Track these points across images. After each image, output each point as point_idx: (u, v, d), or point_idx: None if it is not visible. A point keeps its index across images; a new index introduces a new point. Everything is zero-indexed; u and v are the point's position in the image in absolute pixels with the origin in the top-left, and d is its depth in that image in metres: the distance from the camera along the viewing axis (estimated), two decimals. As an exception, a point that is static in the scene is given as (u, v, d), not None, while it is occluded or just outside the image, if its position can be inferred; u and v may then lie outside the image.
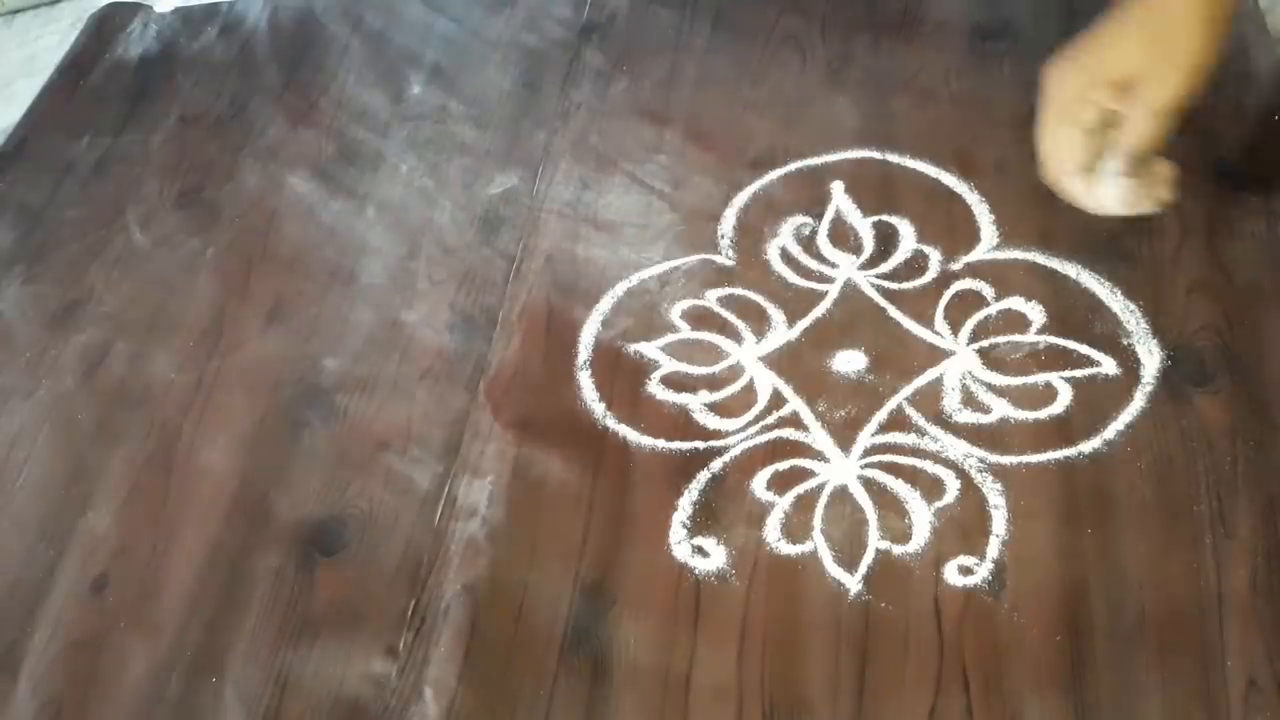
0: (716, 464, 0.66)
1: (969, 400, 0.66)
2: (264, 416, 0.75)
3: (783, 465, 0.65)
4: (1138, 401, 0.64)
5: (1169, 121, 0.60)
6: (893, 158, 0.79)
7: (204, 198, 0.90)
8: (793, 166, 0.80)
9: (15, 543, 0.72)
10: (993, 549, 0.60)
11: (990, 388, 0.66)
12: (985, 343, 0.68)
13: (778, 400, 0.68)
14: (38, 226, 0.92)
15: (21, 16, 1.15)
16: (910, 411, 0.66)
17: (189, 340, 0.80)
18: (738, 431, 0.67)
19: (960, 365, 0.67)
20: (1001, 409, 0.65)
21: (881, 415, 0.66)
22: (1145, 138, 0.61)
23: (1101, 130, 0.62)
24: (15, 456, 0.77)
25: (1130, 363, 0.65)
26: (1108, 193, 0.64)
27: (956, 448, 0.64)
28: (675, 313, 0.74)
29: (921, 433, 0.65)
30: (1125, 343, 0.66)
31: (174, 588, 0.68)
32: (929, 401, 0.66)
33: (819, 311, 0.72)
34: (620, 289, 0.76)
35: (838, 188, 0.78)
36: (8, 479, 0.75)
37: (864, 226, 0.76)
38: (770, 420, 0.68)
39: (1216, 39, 0.60)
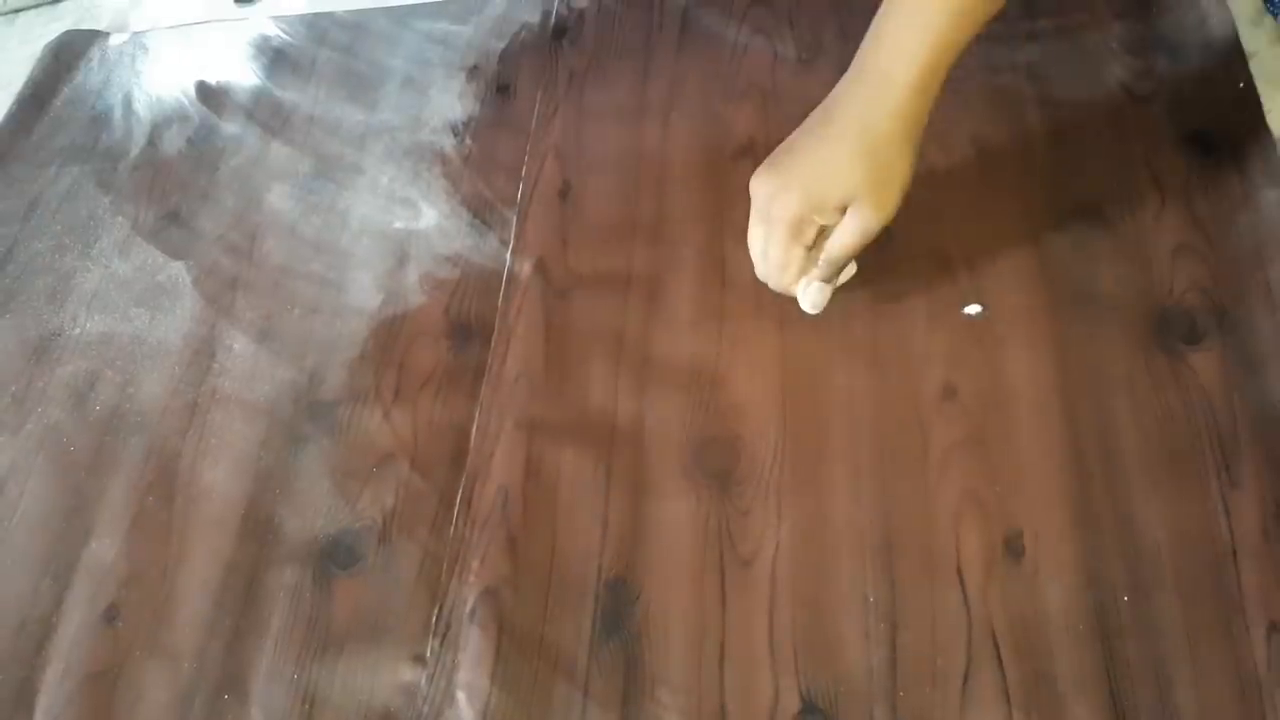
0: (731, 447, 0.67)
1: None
2: (265, 435, 0.74)
3: (795, 448, 0.66)
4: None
5: (876, 234, 0.63)
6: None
7: (181, 220, 0.89)
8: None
9: (19, 579, 0.71)
10: (1008, 515, 0.61)
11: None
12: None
13: (783, 385, 0.69)
14: (9, 261, 0.90)
15: (24, 15, 1.14)
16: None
17: (180, 364, 0.80)
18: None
19: (960, 339, 0.69)
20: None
21: (887, 393, 0.68)
22: (853, 253, 0.64)
23: (815, 244, 0.65)
24: (10, 492, 0.75)
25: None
26: (809, 296, 0.67)
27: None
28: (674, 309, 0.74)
29: (928, 407, 0.66)
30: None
31: (188, 612, 0.67)
32: (932, 376, 0.68)
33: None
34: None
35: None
36: (4, 516, 0.74)
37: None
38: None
39: (917, 159, 0.62)
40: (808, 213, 0.62)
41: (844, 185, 0.61)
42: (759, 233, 0.66)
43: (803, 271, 0.66)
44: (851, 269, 0.68)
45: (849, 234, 0.62)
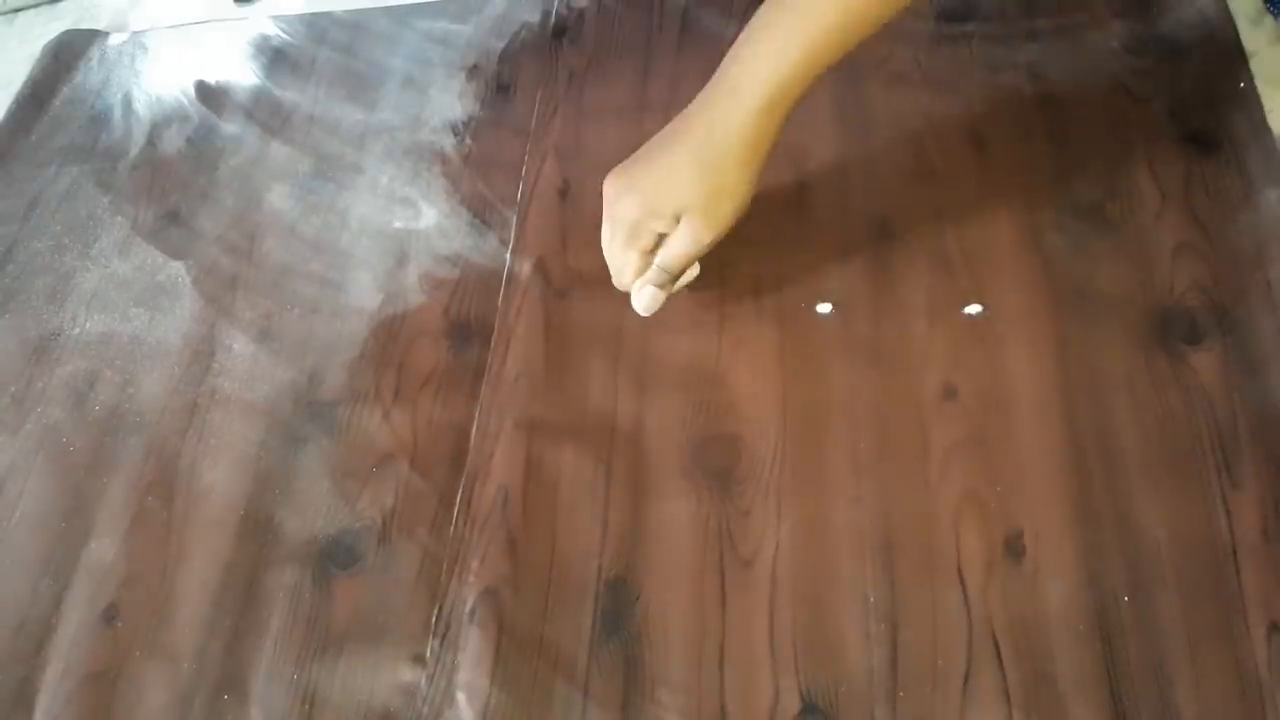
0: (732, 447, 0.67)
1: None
2: (264, 435, 0.74)
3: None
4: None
5: (709, 248, 0.65)
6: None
7: (181, 220, 0.89)
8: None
9: (18, 579, 0.71)
10: (1009, 515, 0.61)
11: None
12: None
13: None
14: (9, 260, 0.90)
15: (24, 15, 1.13)
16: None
17: (179, 364, 0.79)
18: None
19: (960, 339, 0.69)
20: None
21: (887, 392, 0.67)
22: (686, 262, 0.65)
23: (653, 248, 0.66)
24: (9, 492, 0.75)
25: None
26: (640, 299, 0.68)
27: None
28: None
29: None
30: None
31: (188, 612, 0.67)
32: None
33: (816, 295, 0.73)
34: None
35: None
36: (4, 515, 0.74)
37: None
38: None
39: (758, 175, 0.63)
40: (644, 218, 0.64)
41: (679, 196, 0.63)
42: (605, 232, 0.68)
43: (640, 273, 0.67)
44: (690, 275, 0.69)
45: (680, 243, 0.64)
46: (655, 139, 0.66)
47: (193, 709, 0.63)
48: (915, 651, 0.58)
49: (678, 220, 0.64)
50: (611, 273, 0.68)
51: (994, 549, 0.60)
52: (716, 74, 0.63)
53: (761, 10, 0.61)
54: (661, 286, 0.67)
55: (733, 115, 0.61)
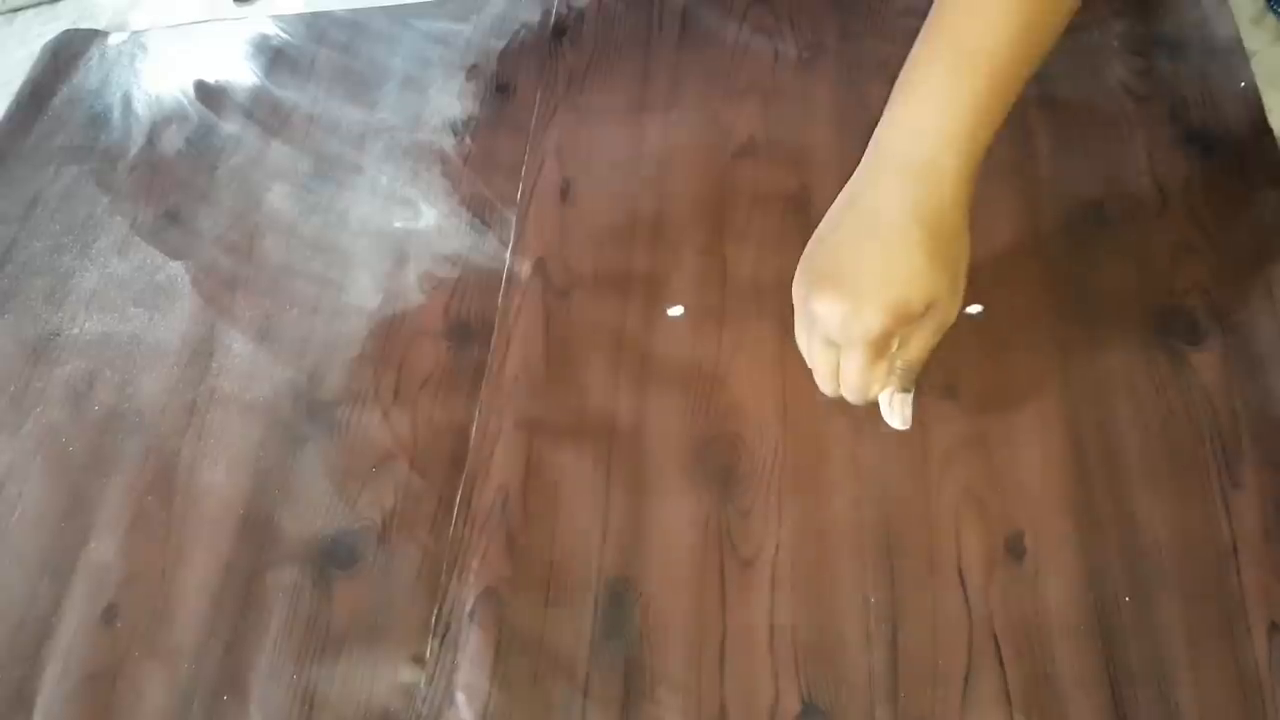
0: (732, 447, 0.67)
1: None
2: (264, 435, 0.74)
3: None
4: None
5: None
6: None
7: (180, 220, 0.89)
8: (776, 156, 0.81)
9: (17, 579, 0.71)
10: (1009, 516, 0.61)
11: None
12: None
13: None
14: (8, 260, 0.90)
15: (23, 15, 1.13)
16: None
17: (178, 364, 0.79)
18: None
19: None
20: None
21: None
22: (929, 352, 0.58)
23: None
24: (9, 492, 0.75)
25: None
26: (900, 415, 0.60)
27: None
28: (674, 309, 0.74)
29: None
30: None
31: (187, 612, 0.67)
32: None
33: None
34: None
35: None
36: (3, 515, 0.74)
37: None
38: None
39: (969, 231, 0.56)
40: (895, 328, 0.55)
41: (926, 290, 0.54)
42: (828, 356, 0.58)
43: (884, 382, 0.58)
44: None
45: (928, 334, 0.56)
46: (845, 233, 0.56)
47: (192, 709, 0.63)
48: (915, 652, 0.58)
49: (919, 319, 0.55)
50: (851, 391, 0.58)
51: (994, 549, 0.60)
52: (888, 140, 0.56)
53: (916, 58, 0.55)
54: (908, 390, 0.59)
55: (942, 189, 0.54)
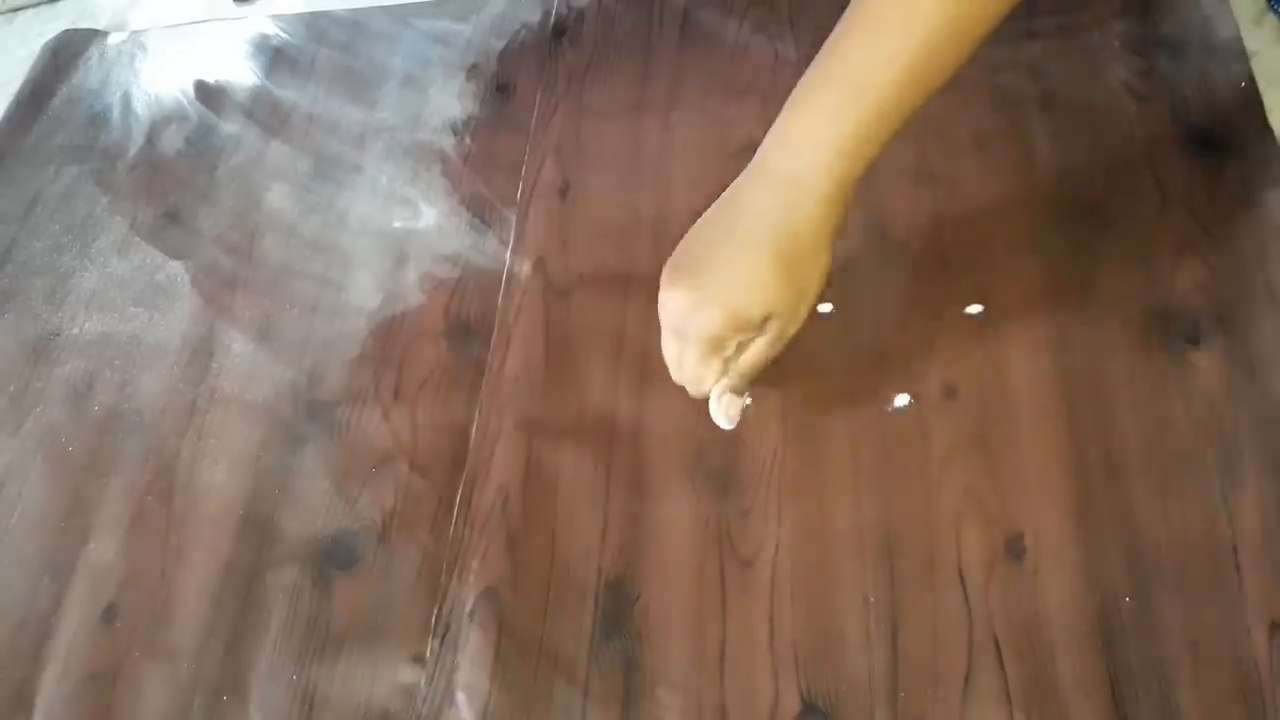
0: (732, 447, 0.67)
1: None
2: (264, 435, 0.74)
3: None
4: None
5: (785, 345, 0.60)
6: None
7: (180, 220, 0.89)
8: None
9: (17, 579, 0.71)
10: (1009, 516, 0.61)
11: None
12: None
13: (784, 385, 0.69)
14: (8, 260, 0.90)
15: (23, 15, 1.14)
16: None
17: (178, 364, 0.79)
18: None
19: (960, 339, 0.69)
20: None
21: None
22: (766, 363, 0.60)
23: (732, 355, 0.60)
24: (8, 492, 0.75)
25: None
26: (723, 410, 0.62)
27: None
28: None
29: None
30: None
31: (187, 612, 0.67)
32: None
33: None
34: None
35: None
36: (3, 515, 0.74)
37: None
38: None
39: (830, 259, 0.58)
40: (729, 332, 0.58)
41: (765, 302, 0.57)
42: (673, 345, 0.61)
43: (717, 379, 0.61)
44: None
45: (765, 346, 0.59)
46: (705, 234, 0.59)
47: (192, 709, 0.63)
48: (915, 652, 0.58)
49: (760, 327, 0.58)
50: (683, 382, 0.62)
51: (994, 549, 0.60)
52: (765, 152, 0.58)
53: (809, 78, 0.57)
54: (739, 393, 0.62)
55: (802, 206, 0.56)
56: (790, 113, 0.57)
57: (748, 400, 0.63)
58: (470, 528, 0.67)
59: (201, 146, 0.94)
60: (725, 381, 0.61)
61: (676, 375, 0.62)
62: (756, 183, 0.58)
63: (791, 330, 0.59)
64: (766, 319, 0.57)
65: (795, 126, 0.57)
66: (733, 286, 0.57)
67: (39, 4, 1.16)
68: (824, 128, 0.55)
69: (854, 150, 0.55)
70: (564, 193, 0.83)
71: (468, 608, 0.64)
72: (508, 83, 0.92)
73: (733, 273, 0.57)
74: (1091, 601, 0.57)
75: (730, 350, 0.59)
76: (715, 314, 0.57)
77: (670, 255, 0.59)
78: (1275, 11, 0.79)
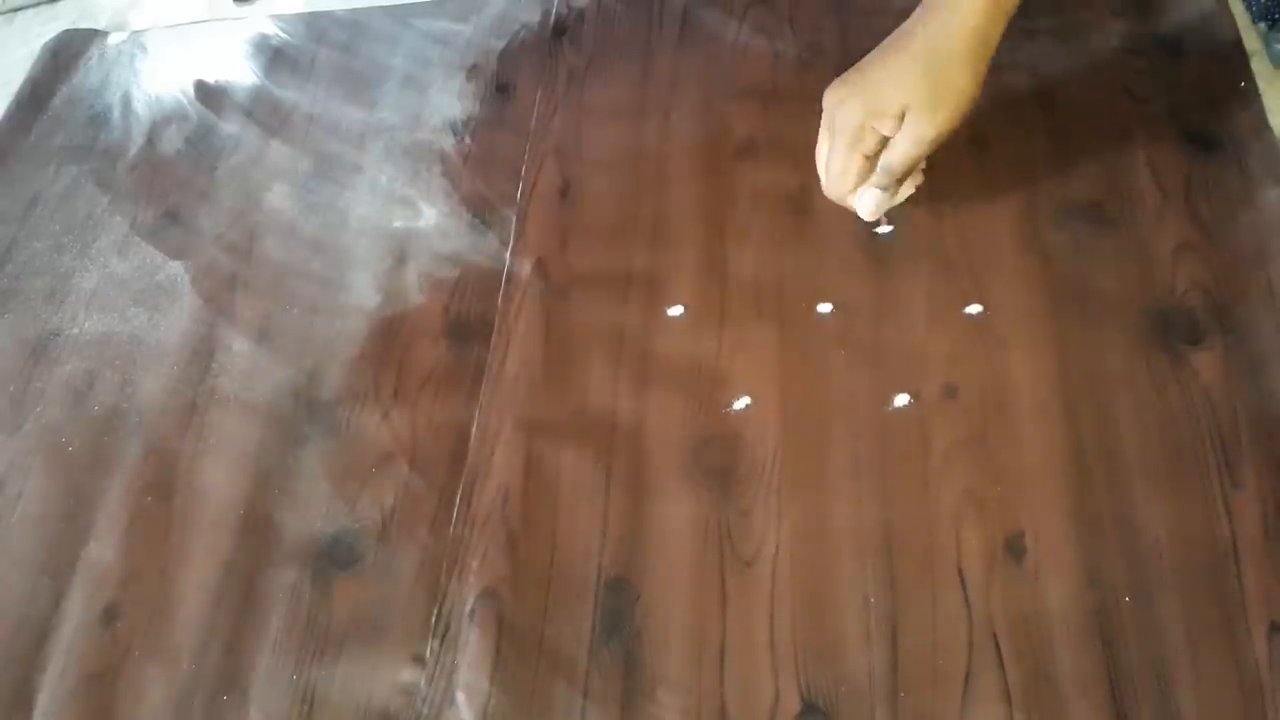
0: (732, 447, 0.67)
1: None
2: (263, 435, 0.74)
3: (795, 448, 0.66)
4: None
5: (933, 148, 0.66)
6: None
7: (180, 220, 0.89)
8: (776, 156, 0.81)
9: (17, 579, 0.71)
10: (1009, 516, 0.61)
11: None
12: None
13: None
14: (8, 260, 0.90)
15: (22, 15, 1.14)
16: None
17: (178, 363, 0.79)
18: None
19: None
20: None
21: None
22: (910, 162, 0.66)
23: (876, 153, 0.67)
24: (8, 492, 0.75)
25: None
26: (865, 203, 0.70)
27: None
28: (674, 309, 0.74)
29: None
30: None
31: (187, 612, 0.67)
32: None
33: (816, 295, 0.73)
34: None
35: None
36: (3, 515, 0.74)
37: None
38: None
39: (983, 77, 0.64)
40: (866, 120, 0.65)
41: (901, 95, 0.63)
42: (824, 142, 0.69)
43: (863, 178, 0.68)
44: (911, 185, 0.71)
45: (904, 142, 0.65)
46: (873, 54, 0.67)
47: (192, 709, 0.63)
48: (915, 652, 0.58)
49: (901, 121, 0.64)
50: (828, 181, 0.70)
51: (994, 549, 0.60)
52: None
53: None
54: (885, 189, 0.68)
55: (955, 19, 0.62)
56: None
57: (894, 198, 0.70)
58: (470, 527, 0.67)
59: (201, 146, 0.94)
60: (874, 178, 0.68)
61: (825, 180, 0.70)
62: (920, 9, 0.65)
63: (932, 130, 0.64)
64: (903, 113, 0.64)
65: None
66: (873, 83, 0.65)
67: (39, 4, 1.16)
68: None
69: None
70: (564, 193, 0.83)
71: (467, 608, 0.64)
72: (508, 83, 0.92)
73: (877, 74, 0.66)
74: (1091, 601, 0.58)
75: (871, 146, 0.66)
76: (855, 105, 0.65)
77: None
78: (1257, 20, 0.79)
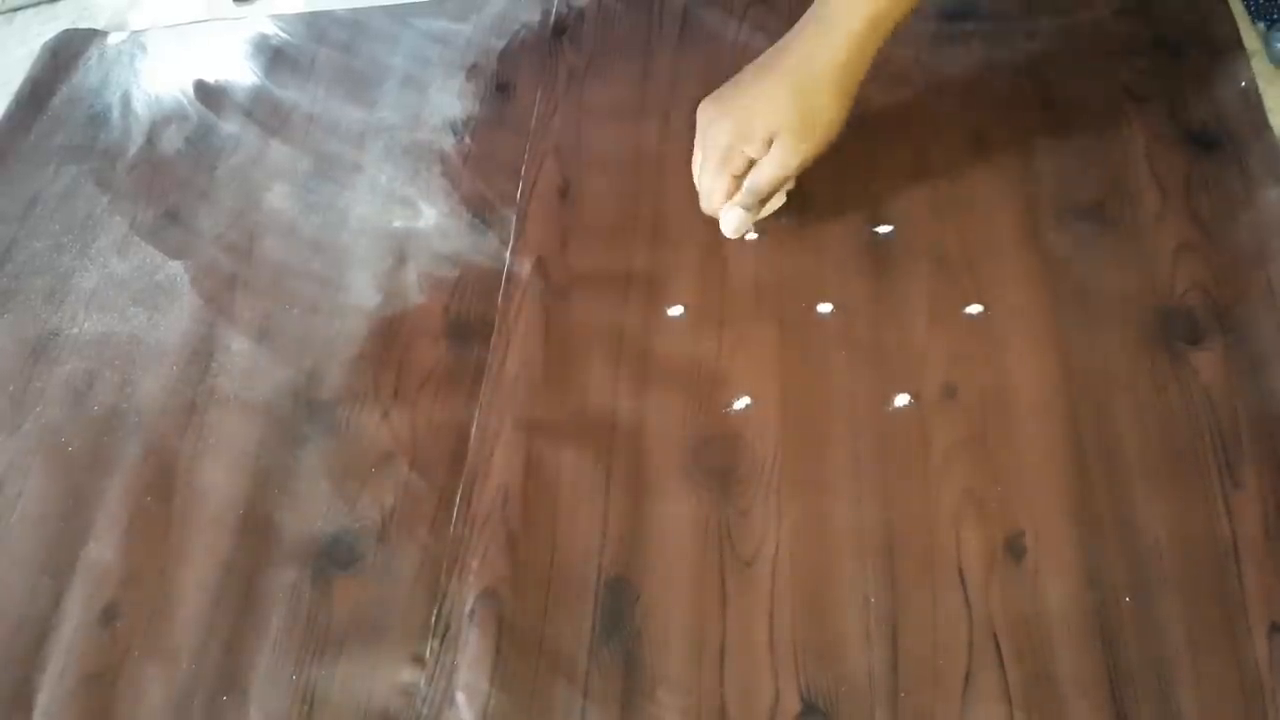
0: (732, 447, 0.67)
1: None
2: (263, 434, 0.74)
3: (795, 448, 0.66)
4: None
5: (798, 172, 0.68)
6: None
7: (180, 220, 0.89)
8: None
9: (16, 579, 0.71)
10: (1009, 516, 0.61)
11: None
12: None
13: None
14: (7, 260, 0.90)
15: (22, 14, 1.14)
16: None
17: (178, 363, 0.79)
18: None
19: (960, 339, 0.69)
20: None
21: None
22: (775, 185, 0.68)
23: (744, 173, 0.69)
24: (8, 491, 0.75)
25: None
26: (728, 221, 0.72)
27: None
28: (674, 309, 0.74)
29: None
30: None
31: (187, 612, 0.67)
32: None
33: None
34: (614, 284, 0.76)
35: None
36: (2, 515, 0.74)
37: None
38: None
39: (851, 103, 0.66)
40: (736, 142, 0.67)
41: (770, 119, 0.65)
42: (696, 158, 0.71)
43: (729, 196, 0.70)
44: (777, 202, 0.73)
45: (769, 165, 0.67)
46: (749, 69, 0.69)
47: (192, 709, 0.63)
48: (915, 652, 0.58)
49: (769, 144, 0.66)
50: (701, 197, 0.72)
51: (994, 549, 0.60)
52: (812, 7, 0.65)
53: None
54: (748, 209, 0.70)
55: (828, 43, 0.63)
56: None
57: (756, 217, 0.72)
58: (470, 527, 0.67)
59: (201, 146, 0.94)
60: (737, 196, 0.70)
61: (700, 189, 0.72)
62: (797, 27, 0.66)
63: (796, 156, 0.66)
64: (770, 137, 0.66)
65: None
66: (745, 106, 0.67)
67: (39, 4, 1.16)
68: None
69: (886, 5, 0.62)
70: (564, 193, 0.83)
71: (467, 608, 0.64)
72: (508, 83, 0.92)
73: (748, 94, 0.67)
74: (1091, 601, 0.57)
75: (739, 167, 0.68)
76: (725, 125, 0.67)
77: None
78: (1256, 20, 0.79)
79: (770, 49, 0.68)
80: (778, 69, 0.66)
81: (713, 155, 0.69)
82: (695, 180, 0.72)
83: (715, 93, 0.70)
